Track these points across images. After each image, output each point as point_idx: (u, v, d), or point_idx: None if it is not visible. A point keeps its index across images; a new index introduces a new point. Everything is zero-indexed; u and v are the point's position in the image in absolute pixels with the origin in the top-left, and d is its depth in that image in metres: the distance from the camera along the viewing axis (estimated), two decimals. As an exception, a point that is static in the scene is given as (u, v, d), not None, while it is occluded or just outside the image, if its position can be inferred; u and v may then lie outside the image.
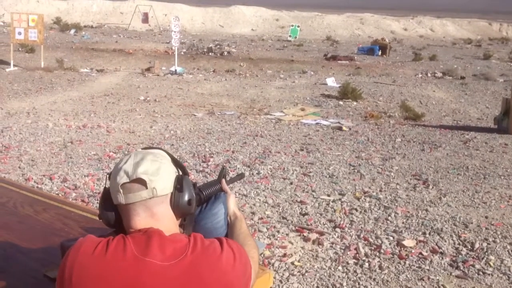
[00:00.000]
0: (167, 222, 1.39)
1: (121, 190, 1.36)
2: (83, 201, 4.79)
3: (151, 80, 14.37)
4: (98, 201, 1.51)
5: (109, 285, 1.27)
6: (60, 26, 35.21)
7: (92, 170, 5.85)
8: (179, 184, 1.42)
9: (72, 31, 32.93)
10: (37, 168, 5.91)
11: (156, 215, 1.38)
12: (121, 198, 1.37)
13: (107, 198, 1.43)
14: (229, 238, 1.47)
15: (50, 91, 11.87)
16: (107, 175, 1.46)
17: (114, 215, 1.43)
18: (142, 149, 1.49)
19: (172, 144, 7.20)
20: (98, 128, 8.09)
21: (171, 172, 1.43)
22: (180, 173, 1.48)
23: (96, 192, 5.09)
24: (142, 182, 1.36)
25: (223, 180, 1.76)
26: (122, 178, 1.36)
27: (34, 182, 5.34)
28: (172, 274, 1.28)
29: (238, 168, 6.12)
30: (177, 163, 1.49)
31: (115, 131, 7.96)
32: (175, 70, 16.11)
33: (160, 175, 1.38)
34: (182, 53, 22.42)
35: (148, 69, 16.16)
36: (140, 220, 1.37)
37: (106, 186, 1.45)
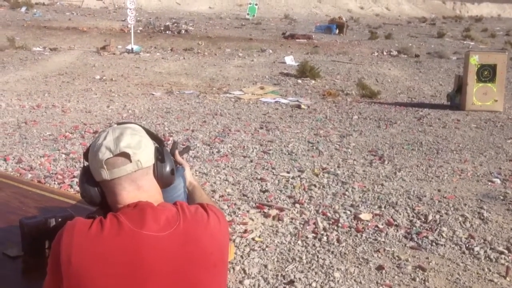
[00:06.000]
0: (153, 193, 1.41)
1: (105, 166, 1.35)
2: (39, 181, 4.69)
3: (107, 59, 14.07)
4: (78, 180, 1.48)
5: (111, 262, 1.26)
6: (10, 4, 33.89)
7: (47, 150, 5.73)
8: (160, 155, 1.44)
9: (23, 9, 31.78)
10: (-10, 149, 5.74)
11: (142, 187, 1.39)
12: (106, 174, 1.36)
13: (88, 177, 1.41)
14: (204, 203, 1.50)
15: (1, 71, 11.48)
16: (83, 155, 1.44)
17: (98, 193, 1.41)
18: (116, 124, 1.47)
19: (130, 124, 7.10)
20: (52, 108, 7.90)
21: (151, 144, 1.44)
22: (157, 145, 1.49)
23: (52, 172, 5.00)
24: (126, 155, 1.35)
25: (176, 153, 1.78)
26: (105, 154, 1.35)
27: (-12, 163, 5.20)
28: (171, 243, 1.31)
29: (198, 147, 6.11)
30: (152, 136, 1.49)
31: (71, 111, 7.79)
32: (132, 48, 15.83)
33: (142, 147, 1.39)
34: (139, 31, 22.01)
35: (103, 48, 15.81)
36: (128, 194, 1.37)
37: (85, 165, 1.43)
